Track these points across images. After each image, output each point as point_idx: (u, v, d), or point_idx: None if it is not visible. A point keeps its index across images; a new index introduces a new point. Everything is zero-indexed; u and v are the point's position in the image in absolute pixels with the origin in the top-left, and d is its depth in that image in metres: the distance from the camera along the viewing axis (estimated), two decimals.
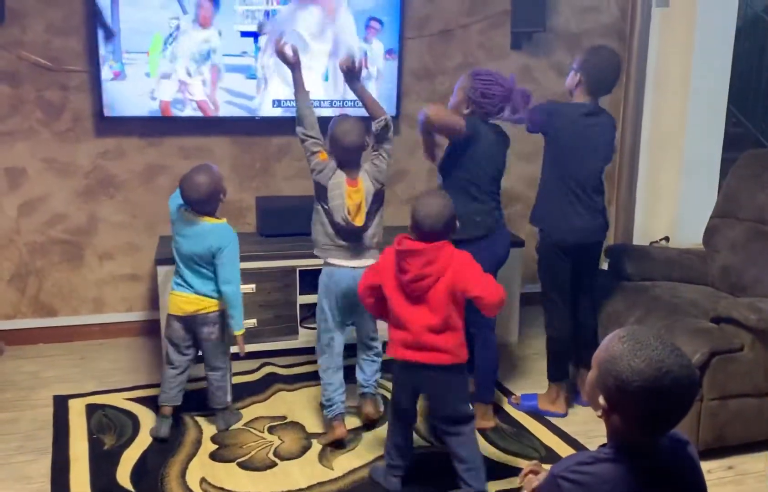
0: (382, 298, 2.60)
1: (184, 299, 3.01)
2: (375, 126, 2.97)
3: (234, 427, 3.14)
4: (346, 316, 3.11)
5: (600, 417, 1.56)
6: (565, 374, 3.33)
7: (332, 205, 2.96)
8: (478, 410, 3.17)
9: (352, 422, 3.19)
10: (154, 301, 3.91)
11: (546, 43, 4.39)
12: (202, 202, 2.95)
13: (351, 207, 2.95)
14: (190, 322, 3.03)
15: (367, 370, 3.22)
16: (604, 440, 1.60)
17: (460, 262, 2.50)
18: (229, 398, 3.15)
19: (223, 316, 3.05)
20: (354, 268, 2.99)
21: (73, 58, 3.78)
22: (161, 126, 3.94)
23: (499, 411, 3.31)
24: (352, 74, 2.99)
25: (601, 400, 1.52)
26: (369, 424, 3.17)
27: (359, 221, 2.97)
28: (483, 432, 3.11)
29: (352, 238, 3.02)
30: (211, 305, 3.02)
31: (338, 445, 3.03)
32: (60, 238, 3.95)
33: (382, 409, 3.23)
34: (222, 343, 3.09)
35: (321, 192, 3.00)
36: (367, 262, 2.99)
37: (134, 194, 3.98)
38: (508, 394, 3.46)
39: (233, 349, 3.13)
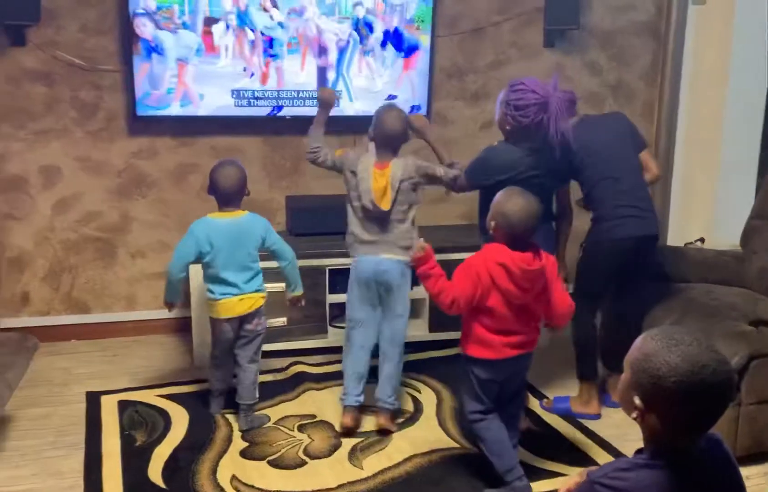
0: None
1: (236, 301, 3.04)
2: (446, 172, 3.08)
3: (264, 425, 3.15)
4: (371, 307, 3.09)
5: (635, 419, 1.53)
6: (594, 373, 3.28)
7: (362, 189, 2.98)
8: None
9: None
10: (185, 299, 3.93)
11: (579, 41, 4.33)
12: (233, 193, 3.03)
13: (376, 190, 2.96)
14: (240, 322, 3.08)
15: (388, 389, 3.10)
16: (638, 443, 1.58)
17: (553, 266, 2.59)
18: (257, 395, 3.17)
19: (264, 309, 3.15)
20: (377, 256, 3.02)
21: (106, 58, 3.82)
22: (193, 125, 3.96)
23: (530, 414, 3.27)
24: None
25: (637, 400, 1.49)
26: (382, 431, 3.11)
27: (385, 205, 2.97)
28: None
29: (379, 228, 3.02)
30: (259, 300, 3.11)
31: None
32: (93, 235, 3.99)
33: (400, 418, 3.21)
34: (263, 336, 3.18)
35: (351, 179, 3.02)
36: (395, 257, 3.00)
37: (166, 193, 4.02)
38: (540, 396, 3.42)
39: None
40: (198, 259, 3.04)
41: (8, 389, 2.69)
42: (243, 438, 3.04)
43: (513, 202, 2.47)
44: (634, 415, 1.51)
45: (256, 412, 3.18)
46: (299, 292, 3.24)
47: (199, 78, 3.84)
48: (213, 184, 3.03)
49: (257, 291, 3.10)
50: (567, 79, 4.37)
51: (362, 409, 3.15)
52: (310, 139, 3.15)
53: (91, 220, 3.98)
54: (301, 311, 3.65)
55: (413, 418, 3.22)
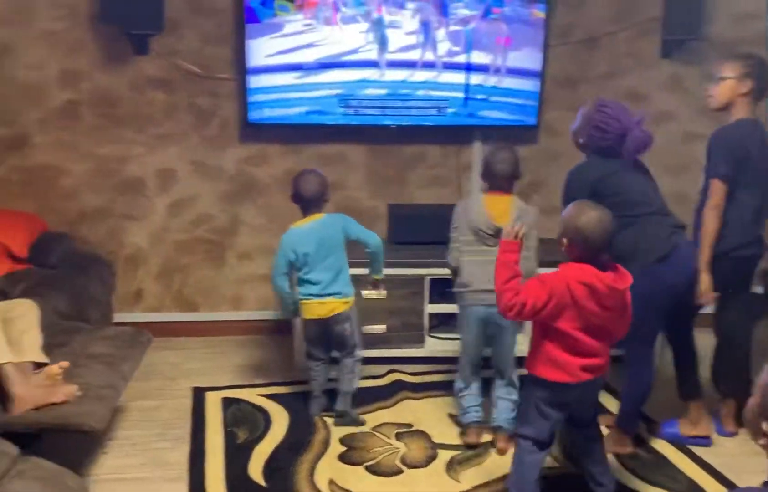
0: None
1: (317, 303, 3.14)
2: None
3: (361, 430, 3.16)
4: (483, 337, 3.07)
5: (763, 447, 1.43)
6: (697, 390, 3.12)
7: (473, 216, 2.98)
8: (614, 435, 3.03)
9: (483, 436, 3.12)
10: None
11: (699, 52, 4.13)
12: (314, 200, 3.14)
13: (492, 211, 2.95)
14: (325, 324, 3.16)
15: (503, 410, 3.08)
16: (756, 476, 1.50)
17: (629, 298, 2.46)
18: (355, 385, 3.28)
19: (351, 314, 3.20)
20: (487, 305, 2.92)
21: (222, 66, 3.96)
22: (302, 133, 4.05)
23: (638, 438, 3.12)
24: None
25: (766, 426, 1.39)
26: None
27: (504, 223, 2.90)
28: (619, 458, 2.97)
29: (492, 272, 2.97)
30: (341, 305, 3.15)
31: (472, 447, 3.05)
32: (204, 237, 4.14)
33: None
34: (355, 335, 3.24)
35: (464, 225, 3.02)
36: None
37: (273, 198, 4.11)
38: (648, 421, 3.26)
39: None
40: (291, 268, 3.16)
41: (123, 381, 2.81)
42: (341, 442, 3.06)
43: (586, 216, 2.33)
44: (762, 442, 1.42)
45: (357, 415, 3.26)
46: (378, 276, 3.31)
47: (317, 83, 3.93)
48: (295, 192, 3.16)
49: (338, 295, 3.14)
50: (684, 91, 4.19)
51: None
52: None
53: (203, 223, 4.13)
54: (397, 317, 3.65)
55: (513, 435, 3.14)
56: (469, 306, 3.03)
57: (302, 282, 3.16)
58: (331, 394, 3.31)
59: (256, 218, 4.14)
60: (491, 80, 4.02)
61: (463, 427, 3.13)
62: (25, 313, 2.68)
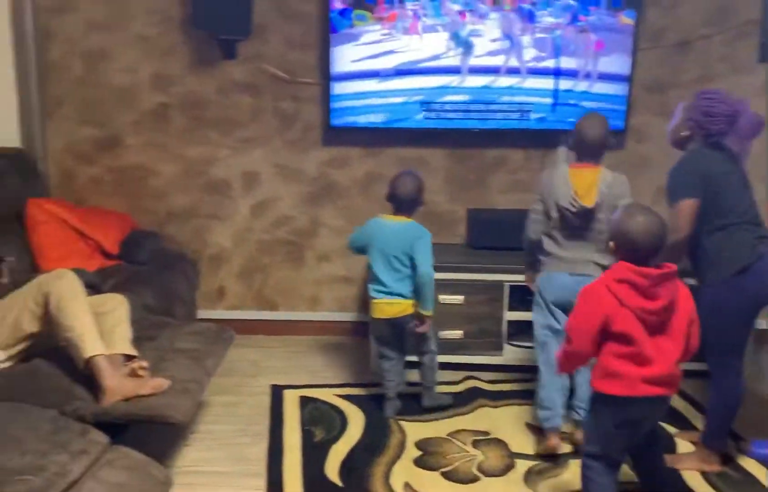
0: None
1: (386, 303, 3.20)
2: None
3: (437, 436, 3.14)
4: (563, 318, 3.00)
5: None
6: None
7: (560, 193, 2.93)
8: (700, 452, 2.92)
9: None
10: (364, 303, 4.04)
11: None
12: (406, 201, 3.18)
13: (579, 186, 2.89)
14: (394, 323, 3.21)
15: (587, 391, 3.02)
16: None
17: (687, 292, 2.33)
18: (436, 377, 3.36)
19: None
20: (572, 273, 2.94)
21: (306, 71, 4.02)
22: (382, 137, 4.07)
23: (726, 456, 2.98)
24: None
25: None
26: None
27: (589, 201, 2.88)
28: (706, 476, 2.86)
29: (577, 242, 2.94)
30: (410, 307, 3.20)
31: (550, 456, 2.98)
32: (285, 238, 4.22)
33: None
34: (428, 331, 3.27)
35: (549, 197, 2.98)
36: (587, 271, 2.90)
37: (353, 201, 4.15)
38: (737, 438, 3.12)
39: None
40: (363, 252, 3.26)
41: (207, 376, 2.87)
42: (417, 446, 3.06)
43: (634, 220, 2.25)
44: None
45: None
46: (425, 311, 3.17)
47: (398, 89, 3.96)
48: (390, 191, 3.22)
49: (406, 297, 3.18)
50: None
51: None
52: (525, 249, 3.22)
53: (284, 224, 4.20)
54: (475, 324, 3.61)
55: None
56: (551, 272, 3.01)
57: (372, 279, 3.22)
58: (406, 398, 3.33)
59: (336, 220, 4.19)
60: (581, 85, 3.95)
61: (543, 432, 3.04)
62: (116, 308, 2.78)
